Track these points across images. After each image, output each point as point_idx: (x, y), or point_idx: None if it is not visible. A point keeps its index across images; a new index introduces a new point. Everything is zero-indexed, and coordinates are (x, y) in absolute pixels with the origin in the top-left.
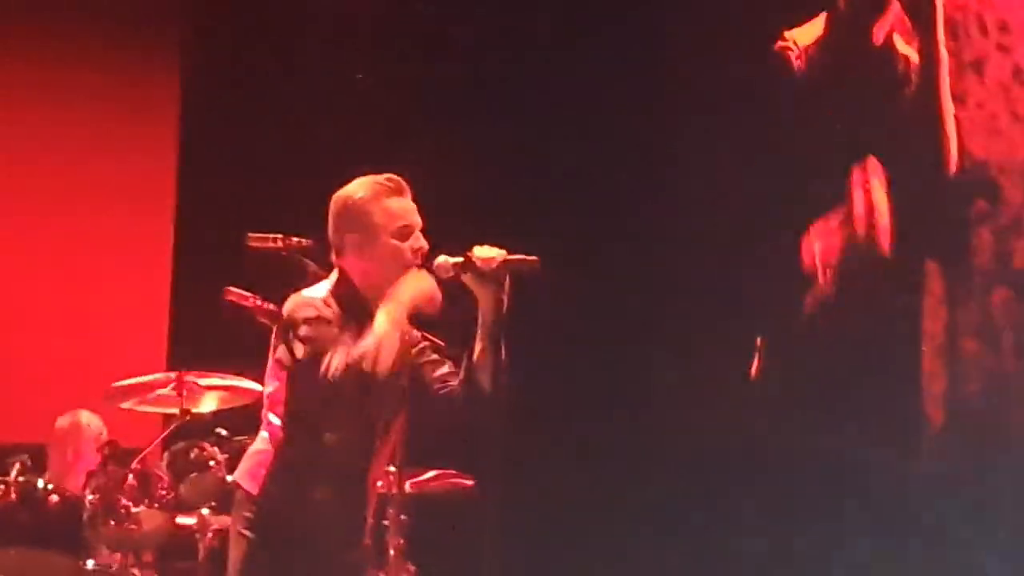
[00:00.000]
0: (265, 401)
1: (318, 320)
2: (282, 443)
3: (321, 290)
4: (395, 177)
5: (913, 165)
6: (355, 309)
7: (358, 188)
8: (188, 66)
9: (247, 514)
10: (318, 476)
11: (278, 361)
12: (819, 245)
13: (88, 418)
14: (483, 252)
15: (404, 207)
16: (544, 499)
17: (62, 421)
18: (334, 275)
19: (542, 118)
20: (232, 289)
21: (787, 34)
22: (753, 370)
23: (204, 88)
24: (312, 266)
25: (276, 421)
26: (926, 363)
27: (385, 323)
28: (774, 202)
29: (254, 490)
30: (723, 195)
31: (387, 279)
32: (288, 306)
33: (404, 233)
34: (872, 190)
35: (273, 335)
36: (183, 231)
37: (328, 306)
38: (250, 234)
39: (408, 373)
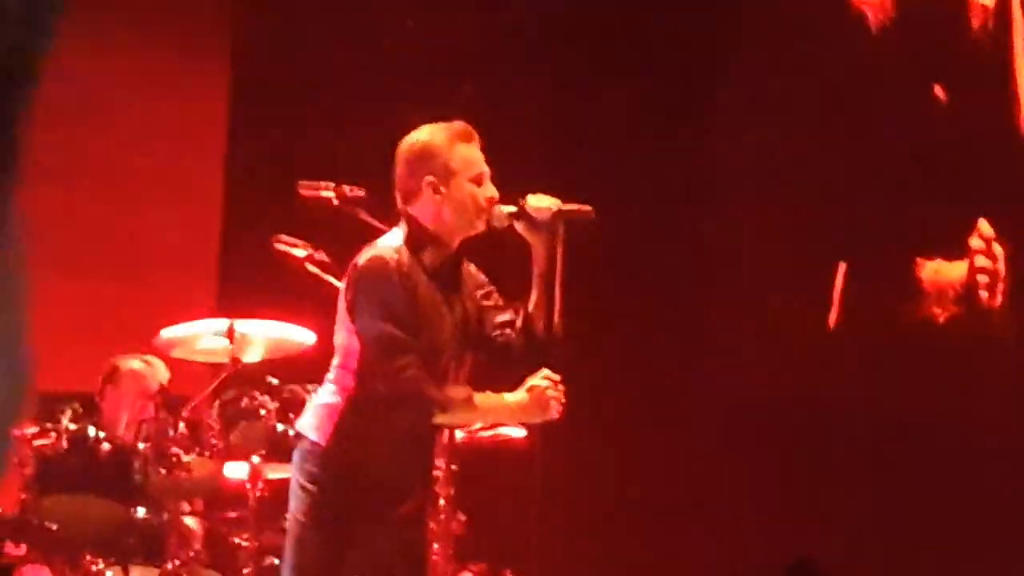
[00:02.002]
0: (337, 352)
1: (395, 278)
2: (354, 394)
3: (394, 240)
4: (465, 124)
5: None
6: (430, 253)
7: (433, 132)
8: (240, 9)
9: (311, 468)
10: (392, 427)
11: (350, 312)
12: None
13: (140, 363)
14: (536, 201)
15: (477, 154)
16: (595, 450)
17: (123, 365)
18: (401, 225)
19: (598, 64)
20: (282, 237)
21: None
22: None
23: (255, 34)
24: (363, 215)
25: (346, 372)
26: None
27: (484, 401)
28: (842, 148)
29: (323, 441)
30: (790, 142)
31: (461, 223)
32: (366, 260)
33: (479, 179)
34: None
35: (345, 284)
36: (233, 178)
37: (401, 255)
38: (301, 182)
39: (475, 317)
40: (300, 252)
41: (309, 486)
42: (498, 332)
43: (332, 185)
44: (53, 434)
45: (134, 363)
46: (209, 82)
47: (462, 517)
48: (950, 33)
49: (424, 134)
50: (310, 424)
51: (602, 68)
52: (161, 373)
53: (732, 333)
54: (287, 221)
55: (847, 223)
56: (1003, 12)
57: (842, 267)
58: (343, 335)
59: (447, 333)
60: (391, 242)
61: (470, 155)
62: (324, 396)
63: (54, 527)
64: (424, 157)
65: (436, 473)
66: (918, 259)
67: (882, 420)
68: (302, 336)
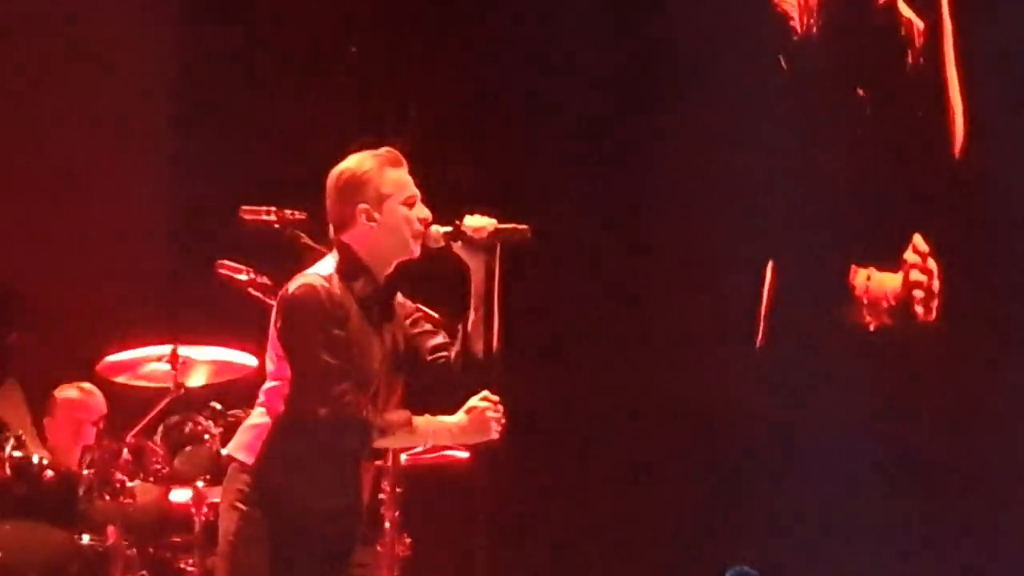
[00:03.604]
0: (268, 376)
1: (326, 306)
2: (282, 416)
3: (325, 269)
4: (392, 149)
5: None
6: (362, 282)
7: (361, 161)
8: (186, 35)
9: (241, 487)
10: (320, 450)
11: (280, 339)
12: None
13: (83, 393)
14: (473, 221)
15: (406, 178)
16: (538, 471)
17: (59, 394)
18: (334, 253)
19: (535, 85)
20: (225, 262)
21: None
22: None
23: (199, 59)
24: (305, 239)
25: (276, 395)
26: None
27: (423, 424)
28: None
29: (250, 460)
30: (724, 149)
31: (396, 247)
32: (296, 288)
33: (411, 202)
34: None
35: (275, 311)
36: (177, 204)
37: (332, 284)
38: (243, 207)
39: (405, 346)
40: (243, 276)
41: (238, 505)
42: (435, 356)
43: (274, 209)
44: None
45: (70, 392)
46: (153, 109)
47: (408, 539)
48: (880, 48)
49: (353, 163)
50: (239, 444)
51: (544, 85)
52: (97, 400)
53: (668, 347)
54: (231, 246)
55: (782, 227)
56: (935, 31)
57: (771, 266)
58: (273, 360)
59: (377, 362)
60: (321, 270)
61: (400, 179)
62: (254, 418)
63: None
64: (355, 185)
65: (380, 496)
66: (852, 266)
67: (811, 426)
68: (245, 360)
